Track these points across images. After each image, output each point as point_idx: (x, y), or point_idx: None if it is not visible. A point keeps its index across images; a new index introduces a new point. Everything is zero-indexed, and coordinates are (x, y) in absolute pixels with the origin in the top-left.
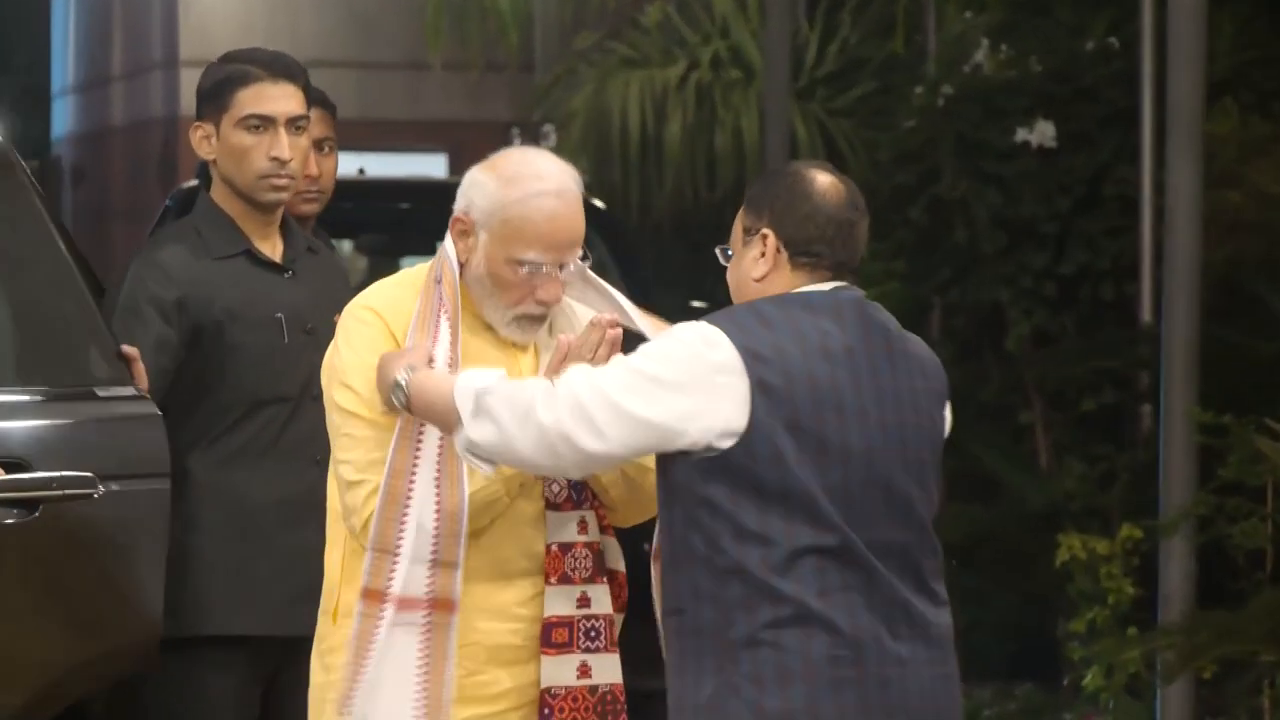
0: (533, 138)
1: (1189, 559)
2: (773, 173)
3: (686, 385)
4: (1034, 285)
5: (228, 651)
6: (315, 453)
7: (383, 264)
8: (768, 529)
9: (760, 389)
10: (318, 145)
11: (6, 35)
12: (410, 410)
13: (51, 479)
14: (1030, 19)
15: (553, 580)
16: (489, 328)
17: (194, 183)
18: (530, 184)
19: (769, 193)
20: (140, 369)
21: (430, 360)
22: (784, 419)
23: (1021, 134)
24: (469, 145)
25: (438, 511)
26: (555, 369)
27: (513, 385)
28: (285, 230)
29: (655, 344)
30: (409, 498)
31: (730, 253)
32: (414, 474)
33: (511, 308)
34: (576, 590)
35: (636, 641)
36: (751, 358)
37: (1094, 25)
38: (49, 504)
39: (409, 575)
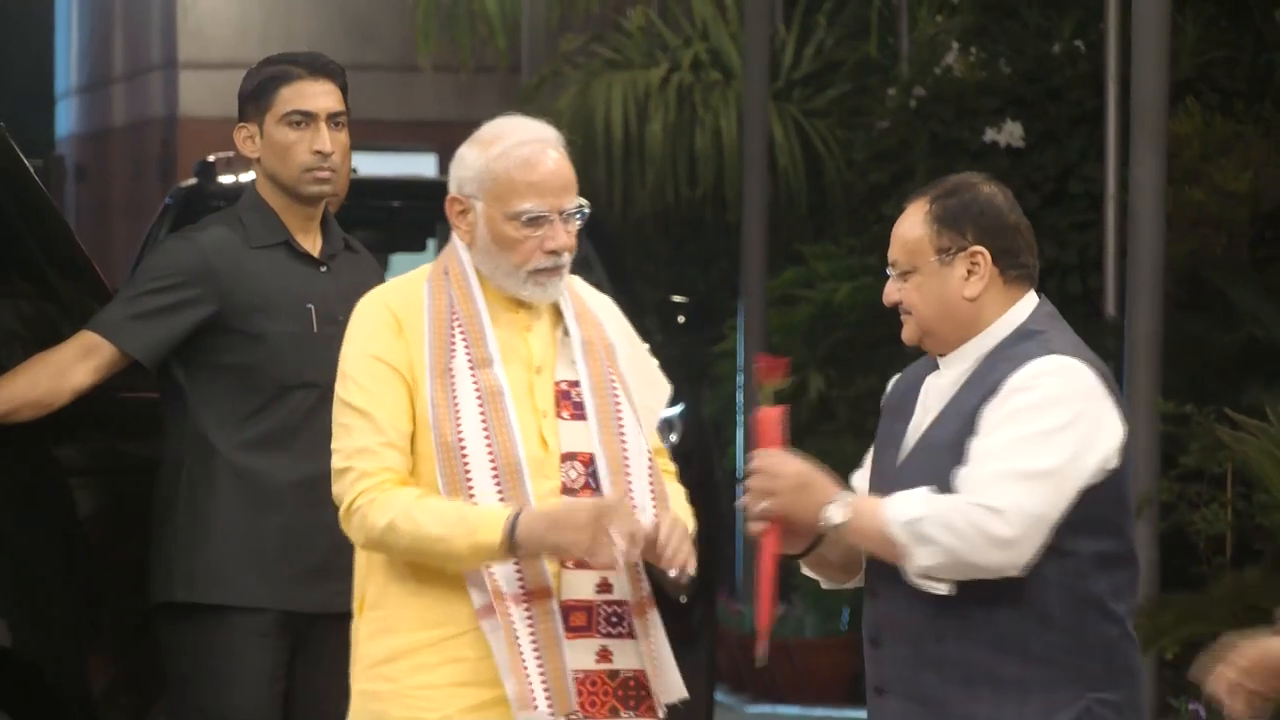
0: None
1: (1152, 545)
2: (953, 189)
3: (1076, 419)
4: None
5: (246, 621)
6: None
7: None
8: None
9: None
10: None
11: (12, 40)
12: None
13: None
14: (1000, 22)
15: (569, 564)
16: (504, 308)
17: (193, 181)
18: (508, 138)
19: (966, 210)
20: None
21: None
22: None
23: (990, 134)
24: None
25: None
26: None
27: (940, 504)
28: (325, 227)
29: (1028, 396)
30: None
31: (906, 271)
32: (470, 483)
33: (523, 265)
34: (596, 575)
35: None
36: (1101, 376)
37: (1061, 28)
38: None
39: (506, 574)
